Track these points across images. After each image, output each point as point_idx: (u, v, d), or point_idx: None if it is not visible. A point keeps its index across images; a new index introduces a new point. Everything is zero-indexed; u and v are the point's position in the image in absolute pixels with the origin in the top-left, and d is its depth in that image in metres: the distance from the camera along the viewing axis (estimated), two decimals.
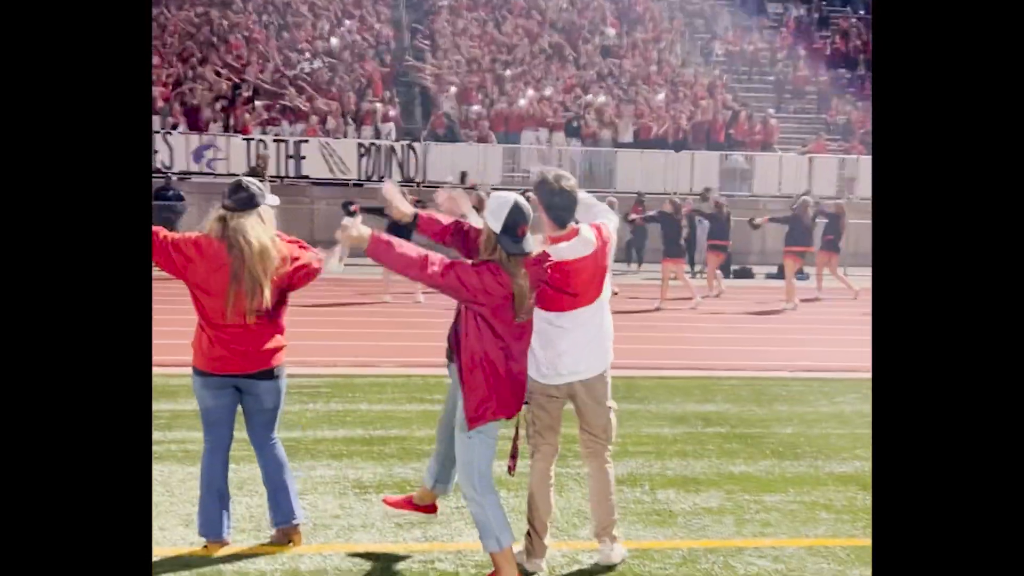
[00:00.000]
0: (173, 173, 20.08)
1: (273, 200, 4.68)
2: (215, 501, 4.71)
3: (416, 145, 21.69)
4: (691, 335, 12.75)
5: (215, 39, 24.72)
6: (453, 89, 24.03)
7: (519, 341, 4.31)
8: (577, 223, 4.61)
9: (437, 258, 4.10)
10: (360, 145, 21.34)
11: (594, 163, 22.71)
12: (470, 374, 4.23)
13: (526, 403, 4.61)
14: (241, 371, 4.56)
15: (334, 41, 25.40)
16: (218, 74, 22.98)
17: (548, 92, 24.59)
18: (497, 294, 4.11)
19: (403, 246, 4.12)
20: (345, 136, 21.90)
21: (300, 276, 4.62)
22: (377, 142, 21.56)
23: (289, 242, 4.67)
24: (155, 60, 23.07)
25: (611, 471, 4.91)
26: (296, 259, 4.60)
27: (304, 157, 21.03)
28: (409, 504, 5.02)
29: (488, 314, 4.16)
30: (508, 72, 25.24)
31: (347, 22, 26.47)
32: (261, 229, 4.48)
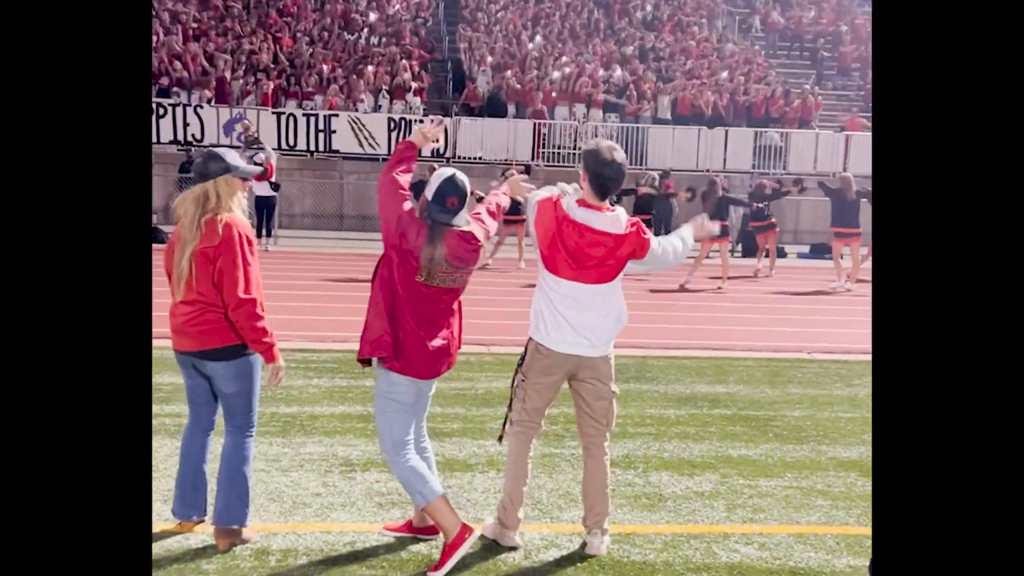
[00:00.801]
0: (204, 146, 20.13)
1: (245, 169, 4.52)
2: (189, 481, 4.62)
3: (446, 120, 21.53)
4: (713, 315, 12.56)
5: (250, 12, 24.74)
6: (488, 61, 23.84)
7: (429, 308, 4.37)
8: (618, 202, 4.74)
9: (405, 180, 4.43)
10: (390, 120, 21.26)
11: (628, 139, 22.43)
12: (371, 307, 4.40)
13: (522, 379, 4.68)
14: (188, 348, 4.45)
15: (372, 16, 25.31)
16: (252, 47, 22.99)
17: (587, 65, 24.33)
18: (410, 239, 4.26)
19: (408, 162, 4.48)
20: (378, 110, 21.83)
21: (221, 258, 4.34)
22: (407, 116, 21.47)
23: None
24: (190, 33, 23.17)
25: (607, 461, 4.81)
26: (228, 240, 4.33)
27: (335, 131, 21.00)
28: (409, 528, 4.78)
29: (395, 258, 4.32)
30: (544, 46, 24.99)
31: None
32: (192, 200, 4.38)
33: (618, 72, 24.24)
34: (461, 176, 4.38)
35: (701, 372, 8.97)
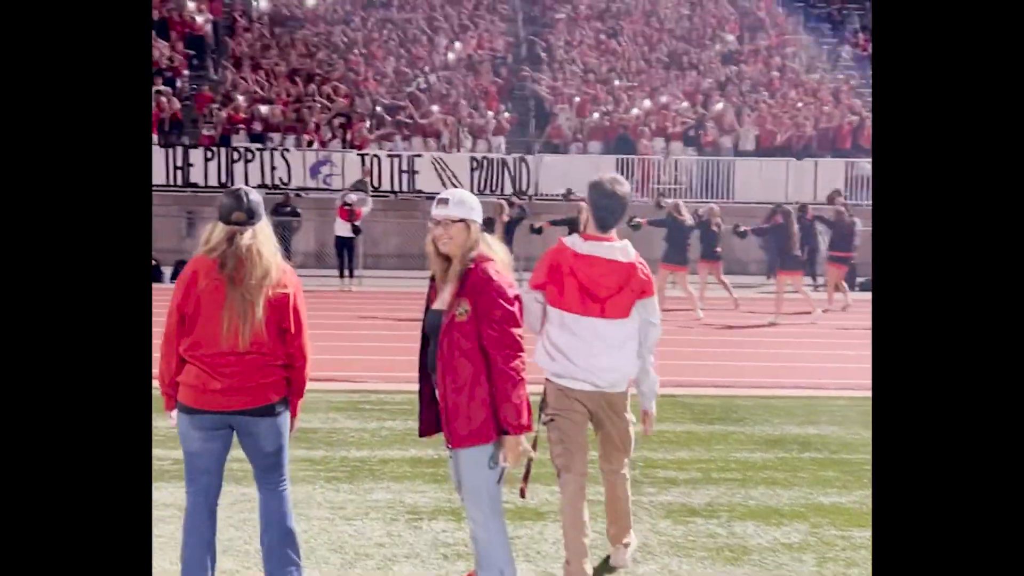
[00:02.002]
0: (290, 189, 20.44)
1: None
2: (197, 560, 4.13)
3: (528, 157, 21.49)
4: (803, 351, 12.06)
5: (334, 56, 25.16)
6: (568, 98, 23.75)
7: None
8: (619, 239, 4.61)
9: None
10: (472, 159, 21.28)
11: (712, 172, 22.02)
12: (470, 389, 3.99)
13: (550, 420, 4.58)
14: (238, 408, 3.99)
15: (451, 56, 25.51)
16: (336, 91, 23.34)
17: (665, 100, 24.04)
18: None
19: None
20: (459, 149, 21.89)
21: (285, 319, 4.07)
22: (489, 155, 21.46)
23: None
24: (274, 78, 23.64)
25: (627, 476, 4.85)
26: (294, 296, 4.07)
27: (417, 172, 21.10)
28: None
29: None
30: (624, 81, 24.82)
31: (464, 37, 26.54)
32: (270, 245, 4.03)
33: (699, 105, 23.88)
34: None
35: (791, 412, 8.54)
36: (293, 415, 4.20)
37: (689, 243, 14.70)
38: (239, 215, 3.98)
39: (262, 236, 4.02)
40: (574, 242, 4.55)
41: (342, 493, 5.95)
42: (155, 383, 3.90)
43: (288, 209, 19.35)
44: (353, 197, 17.92)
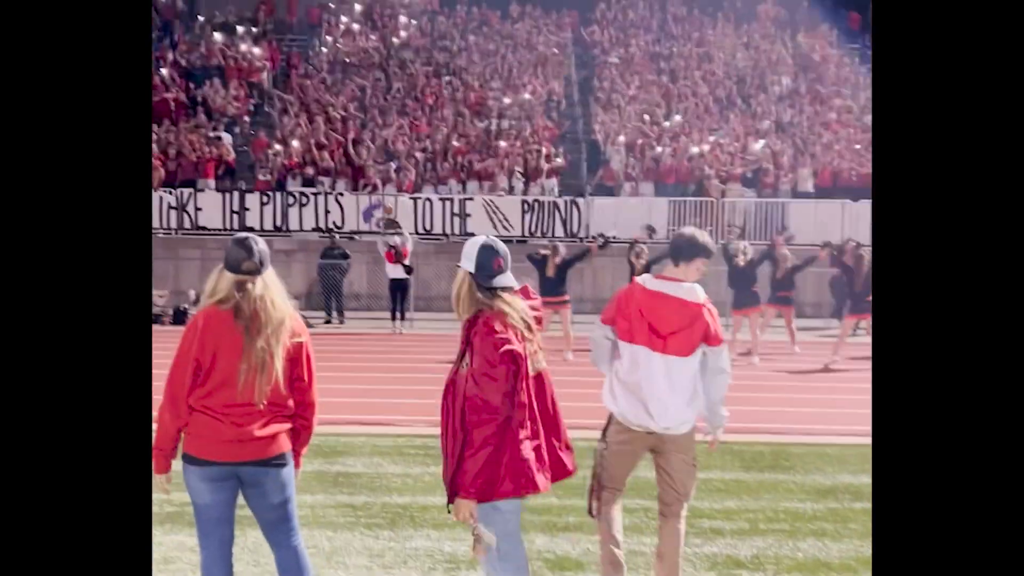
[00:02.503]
0: (343, 233, 20.64)
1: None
2: None
3: (579, 200, 21.47)
4: (861, 397, 11.76)
5: (388, 101, 25.49)
6: (622, 140, 23.74)
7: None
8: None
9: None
10: (524, 202, 21.32)
11: (768, 214, 21.80)
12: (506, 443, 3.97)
13: (604, 448, 4.82)
14: (247, 459, 3.93)
15: (505, 100, 25.68)
16: (390, 136, 23.60)
17: (721, 142, 23.92)
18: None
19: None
20: (511, 192, 21.96)
21: (307, 363, 4.07)
22: (541, 198, 21.49)
23: None
24: (330, 122, 24.00)
25: (683, 529, 4.86)
26: (303, 345, 4.06)
27: (469, 215, 21.19)
28: None
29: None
30: (679, 123, 24.75)
31: (517, 81, 26.73)
32: (281, 293, 4.03)
33: (755, 146, 23.72)
34: (492, 240, 3.96)
35: (844, 461, 8.31)
36: (296, 467, 4.14)
37: (755, 285, 14.44)
38: (250, 265, 3.95)
39: (272, 284, 4.00)
40: (645, 279, 4.82)
41: (382, 540, 5.90)
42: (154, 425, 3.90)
43: (337, 251, 19.52)
44: (397, 239, 18.03)
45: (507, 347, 3.71)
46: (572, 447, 4.07)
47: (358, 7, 31.12)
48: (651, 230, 18.02)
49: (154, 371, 3.66)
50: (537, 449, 3.84)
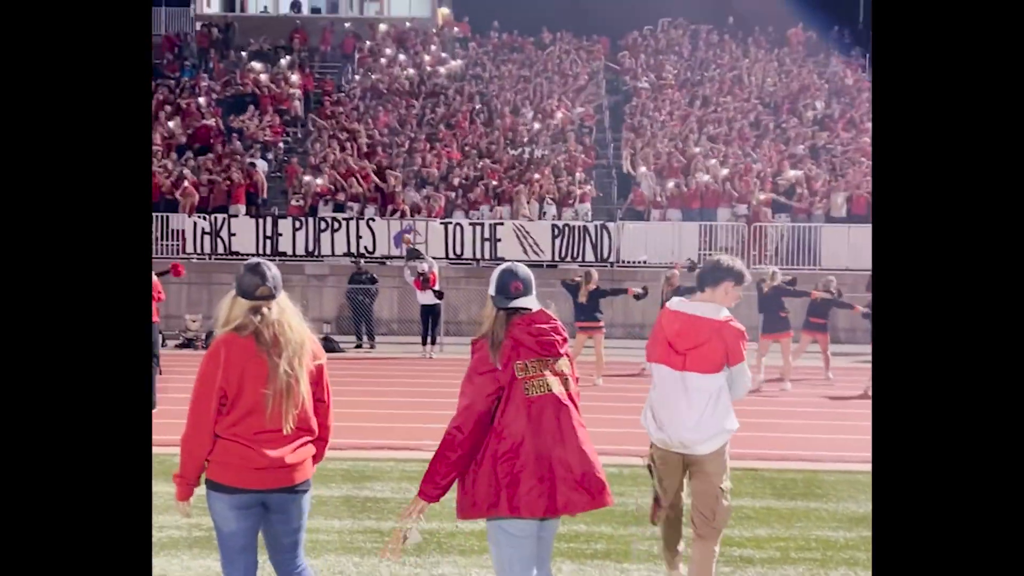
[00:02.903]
0: (374, 258, 20.76)
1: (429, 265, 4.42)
2: None
3: (610, 225, 21.45)
4: None
5: (419, 128, 25.67)
6: (652, 165, 23.73)
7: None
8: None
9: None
10: (554, 226, 21.34)
11: (800, 239, 21.66)
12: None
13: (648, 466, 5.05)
14: (277, 486, 3.91)
15: (536, 126, 25.78)
16: (423, 161, 23.76)
17: (753, 167, 23.83)
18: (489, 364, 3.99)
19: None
20: (542, 217, 21.99)
21: (318, 387, 4.08)
22: (571, 223, 21.50)
23: None
24: (361, 149, 24.20)
25: (711, 552, 4.89)
26: (321, 367, 4.09)
27: (500, 240, 21.23)
28: None
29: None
30: (710, 148, 24.71)
31: (548, 107, 26.84)
32: (297, 316, 4.03)
33: (788, 172, 23.60)
34: (516, 265, 4.11)
35: None
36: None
37: (785, 310, 14.31)
38: (264, 290, 3.95)
39: (287, 308, 4.01)
40: (672, 302, 5.03)
41: (408, 567, 5.88)
42: (156, 449, 3.90)
43: (364, 276, 19.60)
44: (424, 266, 18.10)
45: (483, 366, 3.90)
46: (595, 478, 3.91)
47: (391, 35, 31.46)
48: (692, 264, 17.92)
49: (179, 395, 3.66)
50: (518, 473, 3.80)
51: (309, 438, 4.01)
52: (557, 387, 3.90)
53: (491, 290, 4.02)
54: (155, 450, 9.36)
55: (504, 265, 4.15)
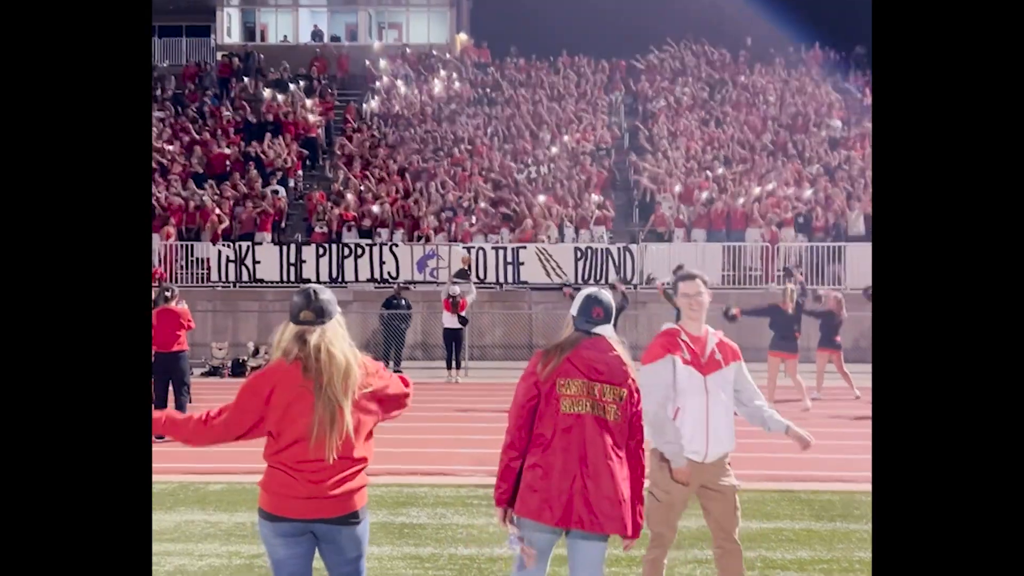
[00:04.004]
0: (399, 283, 20.82)
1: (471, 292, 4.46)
2: None
3: (632, 247, 21.46)
4: None
5: (440, 153, 25.81)
6: (672, 186, 23.75)
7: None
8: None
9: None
10: (576, 249, 21.36)
11: (822, 258, 21.60)
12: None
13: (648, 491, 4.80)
14: (321, 516, 3.87)
15: (554, 149, 25.88)
16: (443, 185, 23.87)
17: (772, 187, 23.82)
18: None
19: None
20: (563, 240, 22.03)
21: (392, 401, 4.03)
22: (593, 245, 21.52)
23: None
24: (383, 175, 24.34)
25: (740, 552, 5.00)
26: (382, 378, 4.01)
27: (523, 263, 21.26)
28: None
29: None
30: (729, 169, 24.73)
31: (567, 129, 26.94)
32: (345, 342, 3.94)
33: (807, 191, 23.58)
34: (598, 291, 4.31)
35: None
36: None
37: (797, 330, 14.28)
38: (307, 314, 3.89)
39: (331, 334, 3.89)
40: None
41: None
42: (186, 477, 3.89)
43: (401, 302, 19.61)
44: (456, 289, 18.15)
45: (525, 379, 4.19)
46: (612, 504, 4.02)
47: (410, 61, 31.70)
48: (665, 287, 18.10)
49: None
50: (542, 479, 4.02)
51: (358, 468, 3.93)
52: (595, 410, 4.04)
53: (573, 310, 4.24)
54: (186, 478, 9.39)
55: (589, 290, 4.30)
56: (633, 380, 4.15)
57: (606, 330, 4.20)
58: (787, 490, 8.56)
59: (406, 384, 4.11)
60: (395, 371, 18.57)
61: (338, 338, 3.91)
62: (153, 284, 16.91)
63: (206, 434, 3.89)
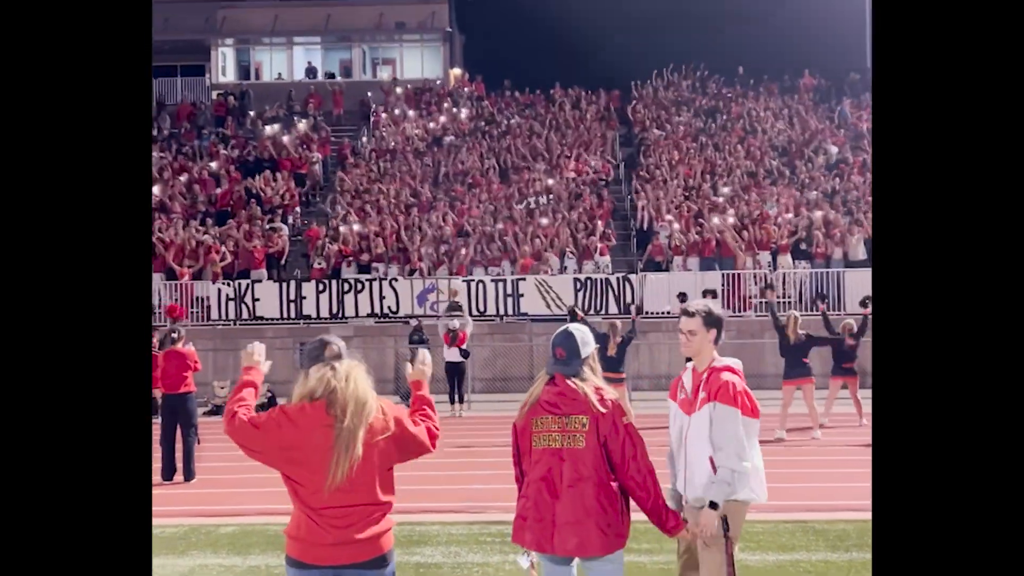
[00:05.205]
0: (399, 318, 20.83)
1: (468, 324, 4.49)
2: None
3: (632, 276, 21.51)
4: None
5: (436, 187, 25.91)
6: (670, 217, 23.84)
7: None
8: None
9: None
10: (576, 280, 21.40)
11: (823, 284, 21.65)
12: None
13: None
14: (350, 561, 3.84)
15: (551, 181, 25.98)
16: (442, 218, 23.94)
17: (770, 213, 23.92)
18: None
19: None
20: (564, 271, 22.07)
21: (409, 446, 4.06)
22: (593, 276, 21.56)
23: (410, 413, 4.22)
24: (380, 210, 24.41)
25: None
26: (400, 421, 4.03)
27: (523, 295, 21.29)
28: None
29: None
30: (726, 196, 24.85)
31: (564, 161, 27.09)
32: (367, 380, 3.98)
33: (804, 218, 23.68)
34: (575, 330, 4.52)
35: None
36: None
37: (806, 357, 14.26)
38: (332, 349, 4.00)
39: (357, 369, 3.96)
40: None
41: None
42: (198, 520, 3.87)
43: (424, 337, 19.46)
44: (456, 323, 18.12)
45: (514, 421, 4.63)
46: (587, 527, 4.29)
47: (404, 97, 31.90)
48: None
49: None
50: (524, 509, 4.45)
51: (382, 511, 3.93)
52: (561, 443, 4.39)
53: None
54: (196, 521, 9.33)
55: (561, 328, 4.57)
56: (602, 406, 4.37)
57: (568, 369, 4.46)
58: (800, 520, 8.53)
59: (432, 435, 4.14)
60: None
61: (362, 373, 3.98)
62: (173, 322, 16.88)
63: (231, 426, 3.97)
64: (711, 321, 4.75)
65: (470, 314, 20.34)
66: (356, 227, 23.40)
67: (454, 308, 19.24)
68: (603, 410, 4.34)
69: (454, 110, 30.75)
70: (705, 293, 18.60)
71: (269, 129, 29.26)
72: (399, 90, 32.62)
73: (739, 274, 21.74)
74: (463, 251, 22.60)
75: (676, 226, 23.25)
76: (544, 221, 23.85)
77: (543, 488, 4.35)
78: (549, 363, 4.51)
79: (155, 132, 30.17)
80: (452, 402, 17.87)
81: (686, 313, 4.79)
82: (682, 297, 17.88)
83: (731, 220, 23.23)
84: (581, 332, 4.47)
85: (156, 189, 25.77)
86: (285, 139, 28.47)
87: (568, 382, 4.41)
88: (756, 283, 21.62)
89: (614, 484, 4.32)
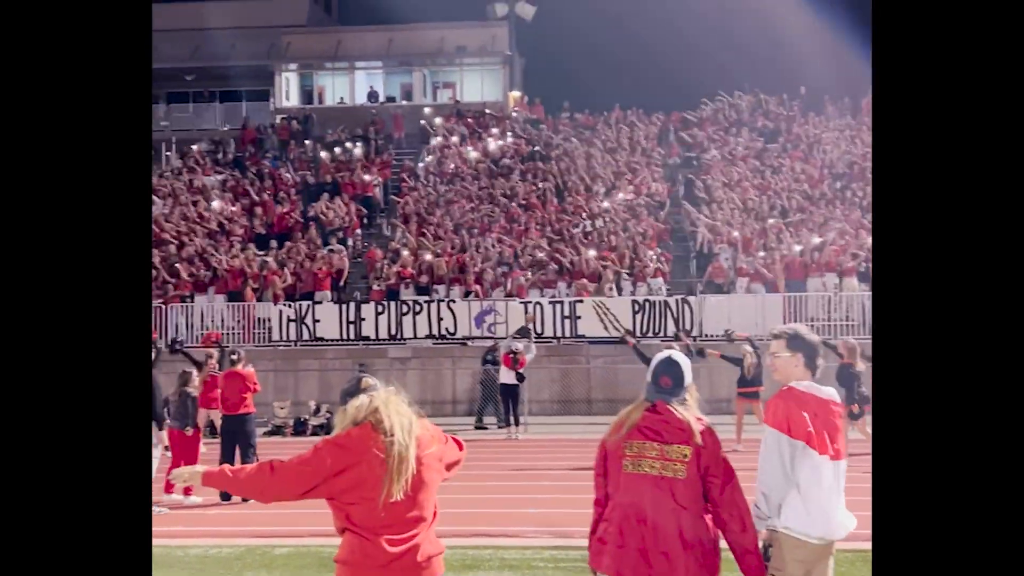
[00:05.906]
0: (456, 339, 20.90)
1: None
2: None
3: (691, 299, 21.34)
4: None
5: (495, 209, 26.01)
6: (730, 236, 23.64)
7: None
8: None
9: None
10: (634, 302, 21.29)
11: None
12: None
13: None
14: None
15: (605, 204, 25.91)
16: (500, 241, 24.02)
17: (832, 236, 23.57)
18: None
19: None
20: (620, 293, 21.98)
21: (450, 457, 4.17)
22: (651, 298, 21.44)
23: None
24: (439, 232, 24.57)
25: None
26: (439, 441, 4.13)
27: (580, 317, 21.24)
28: None
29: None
30: (787, 218, 24.57)
31: (621, 183, 27.04)
32: (403, 405, 4.04)
33: (867, 240, 23.28)
34: (675, 356, 4.50)
35: None
36: None
37: (862, 387, 13.95)
38: (367, 382, 4.12)
39: (393, 396, 4.05)
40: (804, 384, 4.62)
41: None
42: (251, 540, 3.89)
43: (491, 358, 19.49)
44: (519, 345, 18.15)
45: (602, 441, 4.51)
46: (671, 556, 4.16)
47: (463, 119, 32.16)
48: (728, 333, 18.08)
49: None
50: (605, 533, 4.32)
51: (430, 528, 3.97)
52: (656, 470, 4.26)
53: (647, 374, 4.48)
54: (252, 542, 9.42)
55: (663, 355, 4.52)
56: (706, 438, 4.28)
57: (673, 397, 4.37)
58: (859, 550, 8.34)
59: (460, 447, 4.30)
60: (499, 426, 18.59)
61: (399, 397, 4.09)
62: (213, 346, 17.17)
63: (271, 485, 3.89)
64: (796, 345, 4.57)
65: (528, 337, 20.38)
66: (415, 249, 23.60)
67: (523, 332, 19.26)
68: (707, 443, 4.29)
69: (511, 132, 30.90)
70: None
71: (331, 153, 29.69)
72: (459, 113, 32.89)
73: (803, 297, 21.43)
74: (520, 274, 22.65)
75: (737, 248, 23.08)
76: (601, 243, 23.81)
77: (631, 514, 4.24)
78: (650, 390, 4.43)
79: (219, 156, 30.79)
80: (507, 424, 17.85)
81: (773, 335, 4.72)
82: (727, 334, 17.73)
83: (797, 247, 22.90)
84: (685, 361, 4.50)
85: (216, 207, 26.33)
86: (346, 162, 28.86)
87: (672, 411, 4.34)
88: (821, 307, 21.31)
89: (708, 517, 4.28)
